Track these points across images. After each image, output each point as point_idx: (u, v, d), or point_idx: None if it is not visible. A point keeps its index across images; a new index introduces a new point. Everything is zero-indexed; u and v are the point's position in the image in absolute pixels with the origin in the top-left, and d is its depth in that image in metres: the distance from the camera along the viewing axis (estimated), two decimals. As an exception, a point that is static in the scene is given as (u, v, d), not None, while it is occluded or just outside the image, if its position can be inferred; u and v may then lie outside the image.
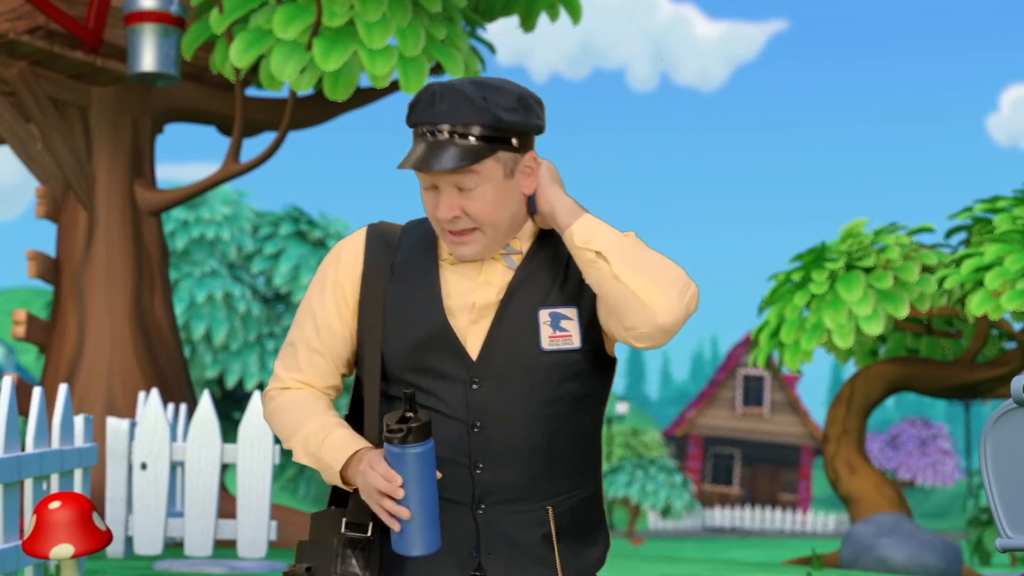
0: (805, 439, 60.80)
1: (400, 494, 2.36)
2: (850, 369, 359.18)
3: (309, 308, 2.62)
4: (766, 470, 61.58)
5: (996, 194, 15.11)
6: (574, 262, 2.56)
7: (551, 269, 2.56)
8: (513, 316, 2.52)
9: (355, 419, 2.67)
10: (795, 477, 61.35)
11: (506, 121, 2.47)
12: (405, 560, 2.55)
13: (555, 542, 2.54)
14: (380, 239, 2.61)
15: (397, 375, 2.54)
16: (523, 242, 2.57)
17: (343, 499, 2.64)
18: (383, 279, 2.57)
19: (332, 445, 2.52)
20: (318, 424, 2.55)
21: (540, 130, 2.53)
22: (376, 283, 2.57)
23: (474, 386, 2.51)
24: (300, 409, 2.58)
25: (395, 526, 2.38)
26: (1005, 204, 14.70)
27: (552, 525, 2.54)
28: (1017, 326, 16.12)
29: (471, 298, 2.54)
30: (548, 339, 2.51)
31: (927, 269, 14.90)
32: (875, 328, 14.31)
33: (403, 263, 2.58)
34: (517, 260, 2.55)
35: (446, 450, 2.51)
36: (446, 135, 2.45)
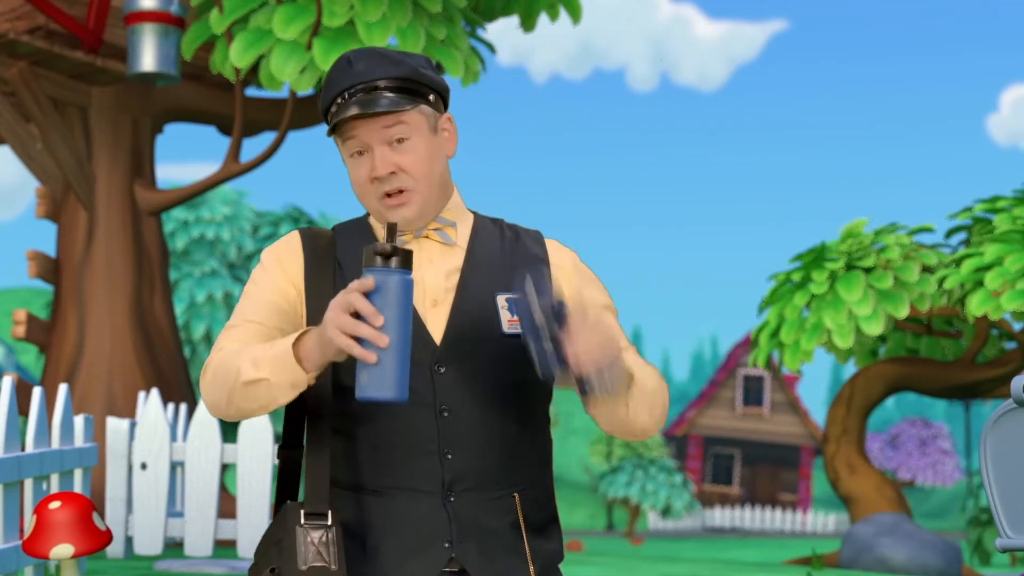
0: (805, 439, 60.81)
1: (380, 319, 2.22)
2: (850, 369, 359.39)
3: (246, 293, 2.59)
4: (766, 470, 61.58)
5: (996, 194, 15.12)
6: (517, 250, 2.61)
7: (499, 255, 2.60)
8: (472, 301, 2.54)
9: (297, 413, 2.58)
10: (795, 477, 61.35)
11: (423, 74, 2.54)
12: (375, 551, 2.51)
13: (523, 529, 2.55)
14: (314, 237, 2.60)
15: (354, 365, 2.51)
16: (459, 221, 2.61)
17: (291, 491, 2.60)
18: (328, 272, 2.56)
19: (281, 340, 2.40)
20: (264, 344, 2.46)
21: (449, 92, 2.61)
22: (321, 276, 2.56)
23: (440, 369, 2.50)
24: (241, 349, 2.47)
25: (370, 357, 2.22)
26: (1005, 204, 14.71)
27: (519, 512, 2.55)
28: (1017, 326, 16.12)
29: (421, 281, 2.55)
30: (507, 323, 2.54)
31: (927, 269, 14.91)
32: (875, 328, 14.31)
33: (346, 256, 2.58)
34: (452, 234, 2.58)
35: (415, 438, 2.50)
36: (368, 89, 2.49)
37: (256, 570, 2.52)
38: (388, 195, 2.52)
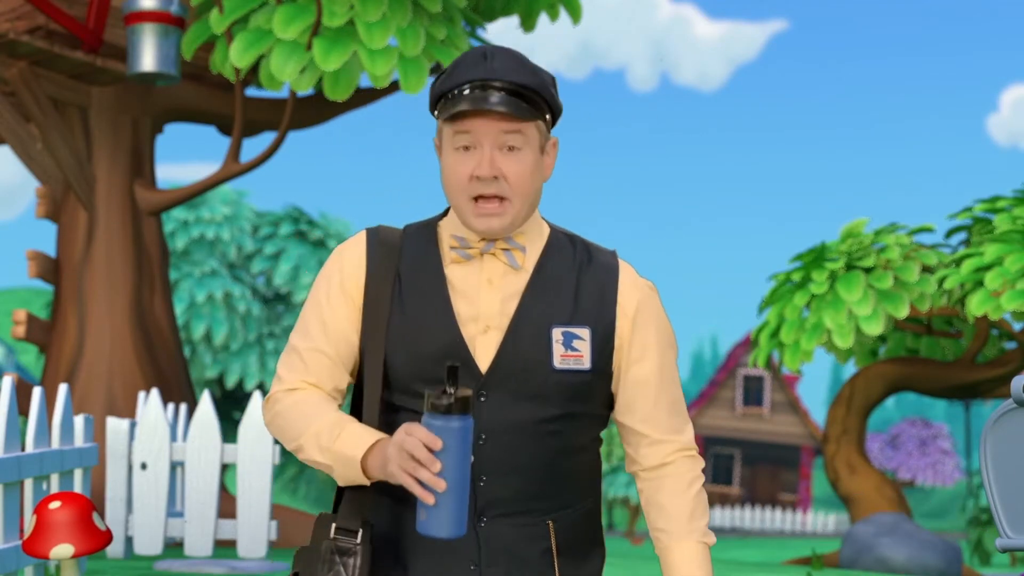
0: (805, 439, 60.81)
1: (438, 465, 2.25)
2: (850, 369, 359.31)
3: (315, 310, 2.55)
4: (766, 470, 61.58)
5: (996, 194, 15.12)
6: (585, 279, 2.54)
7: (563, 285, 2.52)
8: (526, 331, 2.48)
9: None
10: (795, 477, 61.36)
11: (550, 91, 2.49)
12: (404, 567, 2.51)
13: (555, 557, 2.52)
14: (381, 243, 2.55)
15: (403, 384, 2.50)
16: (529, 240, 2.54)
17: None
18: (388, 284, 2.52)
19: (350, 435, 2.41)
20: (331, 419, 2.46)
21: (560, 116, 2.56)
22: (381, 288, 2.52)
23: (481, 399, 2.47)
24: (310, 407, 2.49)
25: (428, 499, 2.25)
26: (1005, 204, 14.70)
27: (553, 540, 2.52)
28: (1017, 326, 16.12)
29: (476, 303, 2.50)
30: (560, 358, 2.48)
31: (927, 269, 14.90)
32: (875, 328, 14.31)
33: (408, 267, 2.53)
34: (519, 258, 2.51)
35: None
36: (500, 88, 2.43)
37: (293, 564, 2.54)
38: (481, 198, 2.46)
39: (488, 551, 2.48)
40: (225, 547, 12.03)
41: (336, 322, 2.53)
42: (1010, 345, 17.46)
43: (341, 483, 2.44)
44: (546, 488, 2.50)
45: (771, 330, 15.06)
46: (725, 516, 55.48)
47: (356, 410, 2.59)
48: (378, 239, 2.56)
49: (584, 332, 2.50)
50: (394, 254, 2.54)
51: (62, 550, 3.41)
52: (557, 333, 2.48)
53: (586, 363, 2.49)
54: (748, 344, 60.79)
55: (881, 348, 17.06)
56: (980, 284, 13.82)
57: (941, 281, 14.47)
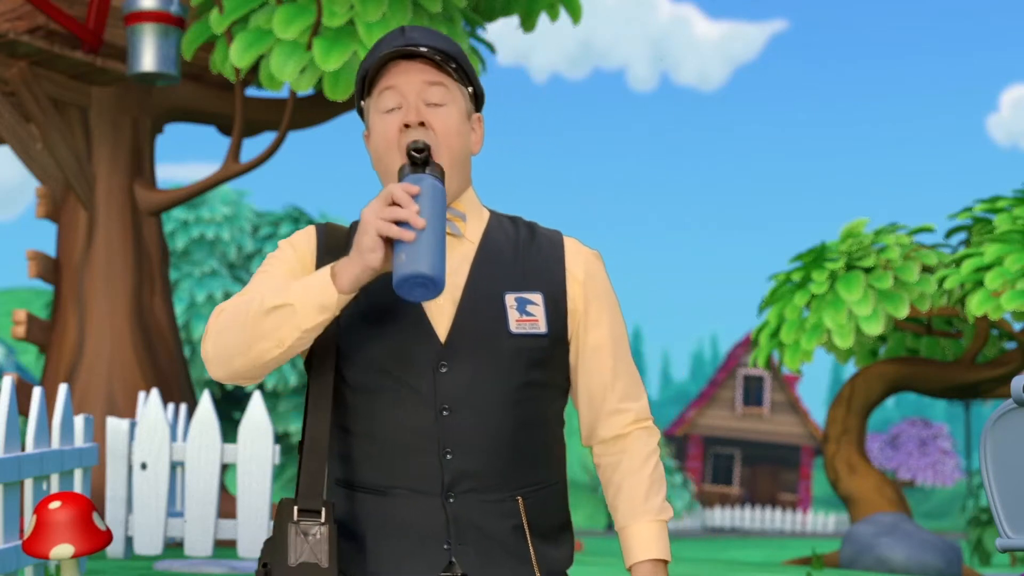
0: (805, 439, 60.82)
1: (415, 206, 2.28)
2: (850, 369, 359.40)
3: (260, 272, 2.55)
4: (766, 470, 61.59)
5: (996, 194, 15.12)
6: (531, 249, 2.58)
7: (509, 255, 2.56)
8: (480, 298, 2.50)
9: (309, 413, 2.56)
10: (795, 477, 61.36)
11: (469, 64, 2.55)
12: (374, 551, 2.49)
13: (528, 534, 2.51)
14: (330, 232, 2.58)
15: (361, 362, 2.49)
16: (469, 212, 2.57)
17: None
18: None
19: (305, 277, 2.39)
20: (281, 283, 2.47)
21: (484, 99, 2.62)
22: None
23: (442, 369, 2.47)
24: (259, 288, 2.46)
25: (407, 235, 2.26)
26: (1005, 204, 14.71)
27: (523, 517, 2.51)
28: (1017, 326, 16.12)
29: None
30: (515, 323, 2.50)
31: (927, 269, 14.91)
32: (875, 328, 14.31)
33: None
34: (460, 226, 2.54)
35: (415, 437, 2.46)
36: (420, 48, 2.49)
37: (259, 565, 2.51)
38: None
39: (458, 528, 2.47)
40: (225, 547, 12.03)
41: (280, 272, 2.52)
42: (1010, 345, 17.46)
43: (305, 324, 2.35)
44: (513, 462, 2.50)
45: (771, 330, 15.06)
46: (725, 516, 55.48)
47: (310, 389, 2.55)
48: (326, 229, 2.59)
49: (537, 297, 2.53)
50: (342, 240, 2.57)
51: (62, 550, 3.41)
52: (510, 299, 2.51)
53: (542, 327, 2.51)
54: (748, 344, 60.79)
55: (881, 348, 17.07)
56: (980, 284, 13.82)
57: (941, 281, 14.48)
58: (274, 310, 2.35)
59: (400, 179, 2.38)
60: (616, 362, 2.62)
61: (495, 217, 2.62)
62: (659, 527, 2.58)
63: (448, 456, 2.46)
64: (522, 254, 2.57)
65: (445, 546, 2.47)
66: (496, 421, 2.48)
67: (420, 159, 2.36)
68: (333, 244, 2.56)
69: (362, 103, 2.57)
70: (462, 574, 2.48)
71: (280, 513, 2.45)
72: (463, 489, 2.47)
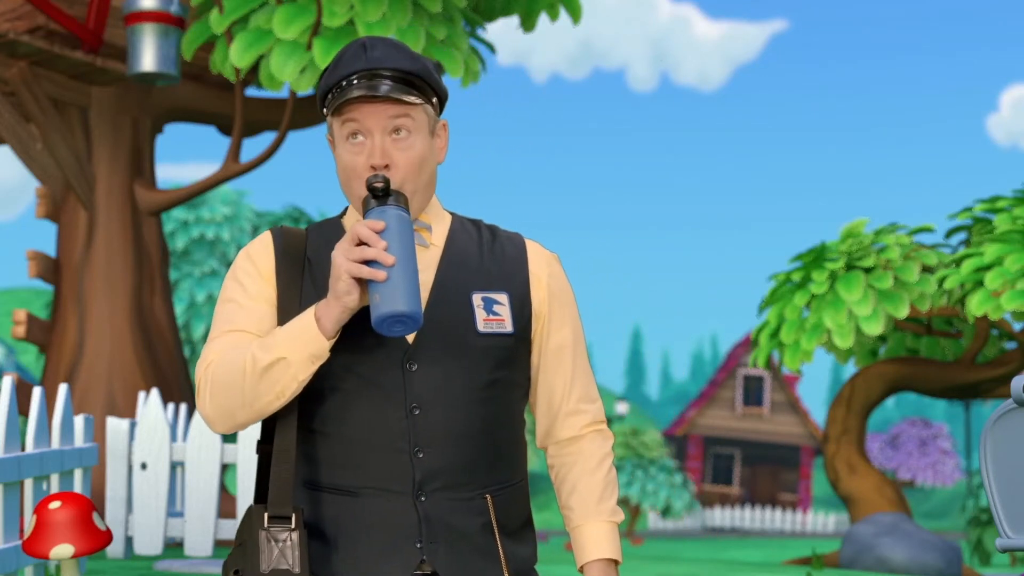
0: (805, 439, 60.82)
1: (382, 243, 2.32)
2: (850, 369, 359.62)
3: (225, 299, 2.55)
4: (766, 470, 61.60)
5: (996, 194, 15.12)
6: (494, 251, 2.61)
7: (474, 257, 2.58)
8: (448, 298, 2.52)
9: (269, 421, 2.56)
10: (795, 477, 61.37)
11: (433, 76, 2.55)
12: (346, 552, 2.49)
13: (496, 531, 2.54)
14: (286, 236, 2.59)
15: (330, 360, 2.50)
16: (435, 223, 2.60)
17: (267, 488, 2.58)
18: (298, 271, 2.55)
19: (290, 323, 2.41)
20: (264, 336, 2.47)
21: (447, 99, 2.63)
22: (292, 275, 2.55)
23: (412, 367, 2.48)
24: (236, 347, 2.47)
25: (379, 275, 2.30)
26: (1005, 204, 14.71)
27: (492, 514, 2.53)
28: (1017, 326, 16.12)
29: None
30: (483, 322, 2.53)
31: (927, 269, 14.91)
32: (875, 328, 14.31)
33: (316, 253, 2.57)
34: (427, 237, 2.57)
35: (385, 436, 2.47)
36: (383, 76, 2.49)
37: (224, 572, 2.50)
38: None
39: (429, 527, 2.48)
40: (225, 547, 12.04)
41: (247, 300, 2.53)
42: (1010, 345, 17.46)
43: (301, 375, 2.39)
44: (481, 460, 2.52)
45: (771, 330, 15.06)
46: (725, 516, 55.48)
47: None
48: (283, 233, 2.60)
49: (503, 297, 2.56)
50: (301, 243, 2.59)
51: (62, 550, 3.41)
52: (477, 299, 2.54)
53: (508, 326, 2.55)
54: (748, 344, 60.79)
55: (881, 348, 17.07)
56: (980, 284, 13.82)
57: (941, 281, 14.48)
58: (269, 368, 2.40)
59: (364, 212, 2.40)
60: (576, 364, 2.66)
61: (457, 220, 2.65)
62: (611, 528, 2.62)
63: (419, 455, 2.48)
64: (486, 255, 2.60)
65: (417, 545, 2.48)
66: (465, 419, 2.50)
67: (381, 191, 2.38)
68: (292, 250, 2.57)
69: (324, 110, 2.57)
70: (432, 572, 2.49)
71: (249, 520, 2.46)
72: (434, 487, 2.49)
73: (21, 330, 12.49)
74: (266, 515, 2.45)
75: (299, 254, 2.57)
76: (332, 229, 2.62)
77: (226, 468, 37.55)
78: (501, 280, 2.58)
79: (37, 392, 7.16)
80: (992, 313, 13.50)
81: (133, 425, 9.75)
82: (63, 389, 7.61)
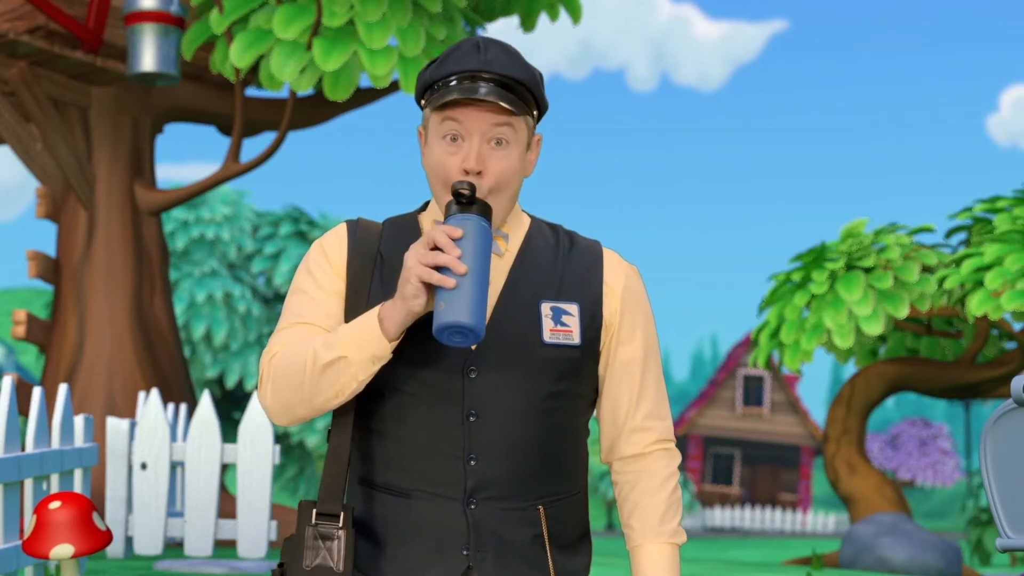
0: (805, 439, 60.82)
1: (457, 251, 2.26)
2: (850, 369, 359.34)
3: (297, 289, 2.54)
4: (766, 470, 61.59)
5: (996, 194, 15.12)
6: (570, 259, 2.55)
7: (548, 264, 2.53)
8: (515, 305, 2.47)
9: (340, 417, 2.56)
10: (795, 477, 61.37)
11: (539, 88, 2.49)
12: (393, 554, 2.48)
13: (547, 544, 2.50)
14: (362, 229, 2.55)
15: (391, 362, 2.47)
16: (513, 230, 2.54)
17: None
18: (370, 264, 2.52)
19: (354, 321, 2.39)
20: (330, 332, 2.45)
21: (546, 113, 2.57)
22: (362, 270, 2.51)
23: (471, 374, 2.45)
24: (302, 342, 2.45)
25: (448, 282, 2.25)
26: (1005, 204, 14.71)
27: (544, 526, 2.50)
28: (1017, 326, 16.12)
29: None
30: (550, 332, 2.47)
31: (927, 269, 14.91)
32: (875, 328, 14.31)
33: (389, 250, 2.53)
34: (503, 246, 2.51)
35: (440, 441, 2.45)
36: (491, 80, 2.42)
37: (278, 563, 2.52)
38: None
39: (478, 535, 2.46)
40: (225, 547, 12.03)
41: (318, 293, 2.51)
42: (1010, 345, 17.47)
43: (360, 376, 2.37)
44: (537, 471, 2.48)
45: (771, 330, 15.06)
46: (725, 516, 55.48)
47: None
48: (359, 226, 2.56)
49: (572, 308, 2.51)
50: (375, 238, 2.54)
51: (62, 550, 3.41)
52: (546, 308, 2.49)
53: (576, 338, 2.49)
54: (748, 344, 60.79)
55: (881, 348, 17.07)
56: (980, 284, 13.82)
57: (941, 281, 14.48)
58: (329, 366, 2.38)
59: (446, 217, 2.35)
60: (645, 379, 2.59)
61: (535, 225, 2.59)
62: (672, 550, 2.57)
63: (472, 462, 2.45)
64: (561, 263, 2.54)
65: (464, 551, 2.46)
66: (522, 429, 2.46)
67: (466, 198, 2.32)
68: (365, 245, 2.53)
69: (422, 101, 2.52)
70: None
71: (300, 515, 2.45)
72: (485, 496, 2.46)
73: (21, 330, 12.48)
74: (314, 511, 2.45)
75: (372, 249, 2.53)
76: (407, 226, 2.56)
77: (226, 468, 37.58)
78: (573, 290, 2.52)
79: (37, 392, 7.16)
80: (992, 313, 13.50)
81: (133, 425, 9.75)
82: (63, 389, 7.61)
